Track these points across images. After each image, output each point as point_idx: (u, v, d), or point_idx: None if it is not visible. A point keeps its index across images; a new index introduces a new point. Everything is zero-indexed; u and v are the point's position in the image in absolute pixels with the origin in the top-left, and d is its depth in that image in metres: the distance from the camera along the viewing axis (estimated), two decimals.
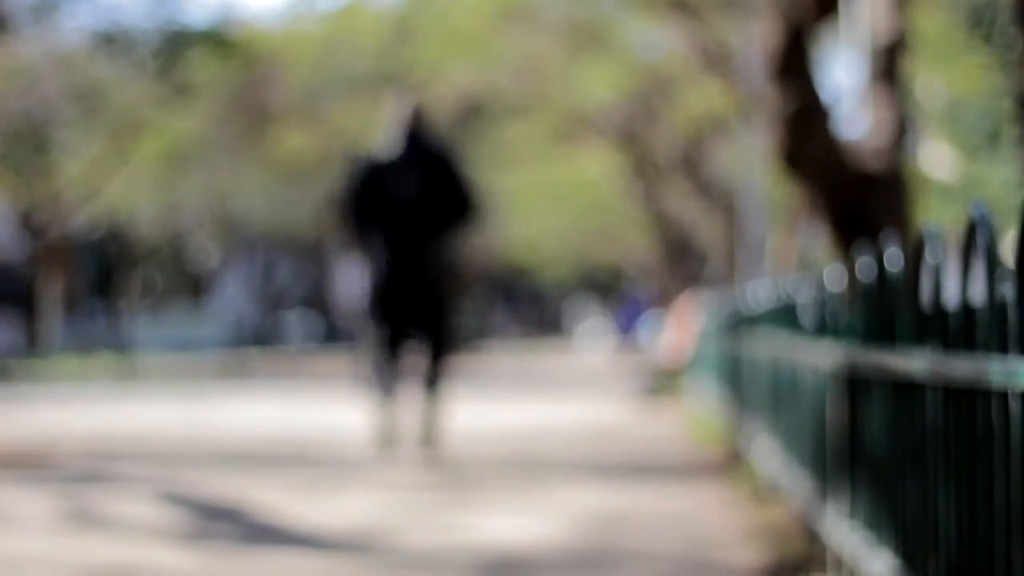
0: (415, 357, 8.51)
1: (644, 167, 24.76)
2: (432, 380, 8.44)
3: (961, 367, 2.85)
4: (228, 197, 35.79)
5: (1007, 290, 2.57)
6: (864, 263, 4.04)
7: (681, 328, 17.57)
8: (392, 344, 8.40)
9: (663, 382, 16.60)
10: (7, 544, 5.38)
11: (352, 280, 8.62)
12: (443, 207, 8.32)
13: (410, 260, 8.29)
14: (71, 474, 7.80)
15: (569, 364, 29.81)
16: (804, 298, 5.42)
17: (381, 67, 28.17)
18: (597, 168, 27.90)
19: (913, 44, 10.25)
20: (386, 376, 8.36)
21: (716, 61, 19.08)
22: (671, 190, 24.48)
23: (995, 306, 2.64)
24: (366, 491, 6.98)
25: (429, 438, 8.34)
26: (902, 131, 8.98)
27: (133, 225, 35.79)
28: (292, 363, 30.78)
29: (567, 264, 42.18)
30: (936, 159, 20.56)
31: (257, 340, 41.43)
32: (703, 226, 23.45)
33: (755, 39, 15.84)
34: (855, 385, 4.18)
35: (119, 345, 31.27)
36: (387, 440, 8.22)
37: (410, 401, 8.49)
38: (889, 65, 9.18)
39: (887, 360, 3.63)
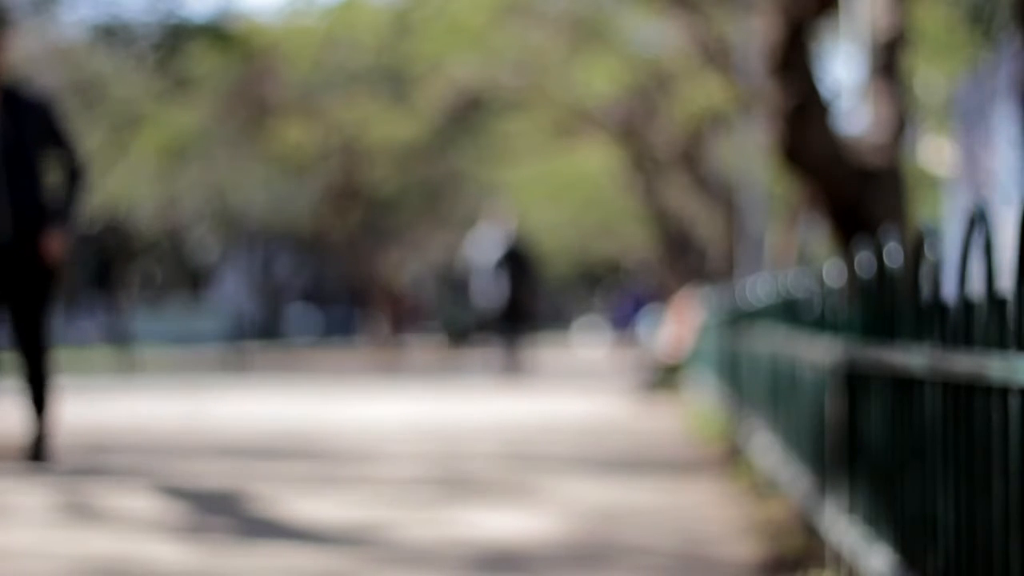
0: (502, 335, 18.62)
1: (644, 162, 24.72)
2: (515, 343, 18.55)
3: (960, 363, 2.84)
4: (227, 191, 35.77)
5: (1007, 286, 2.56)
6: (863, 259, 4.04)
7: (680, 323, 17.55)
8: (506, 329, 18.41)
9: (662, 377, 16.59)
10: (4, 537, 5.38)
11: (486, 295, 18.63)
12: (525, 272, 18.45)
13: (516, 290, 18.20)
14: (69, 467, 7.79)
15: (567, 358, 29.81)
16: (803, 293, 5.42)
17: (380, 61, 28.16)
18: (596, 163, 27.87)
19: (913, 39, 10.25)
20: (501, 354, 18.70)
21: (716, 56, 19.07)
22: (671, 185, 24.45)
23: (995, 302, 2.63)
24: (363, 485, 6.98)
25: (517, 367, 18.41)
26: (902, 127, 8.97)
27: (132, 218, 35.77)
28: (291, 357, 30.79)
29: (566, 259, 42.15)
30: (936, 155, 20.56)
31: (256, 334, 41.40)
32: (703, 221, 23.43)
33: (755, 34, 15.82)
34: (854, 381, 4.17)
35: (118, 338, 31.26)
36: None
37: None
38: (889, 61, 9.17)
39: (886, 356, 3.62)
